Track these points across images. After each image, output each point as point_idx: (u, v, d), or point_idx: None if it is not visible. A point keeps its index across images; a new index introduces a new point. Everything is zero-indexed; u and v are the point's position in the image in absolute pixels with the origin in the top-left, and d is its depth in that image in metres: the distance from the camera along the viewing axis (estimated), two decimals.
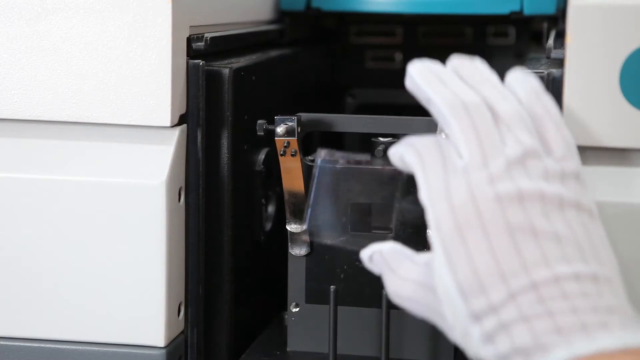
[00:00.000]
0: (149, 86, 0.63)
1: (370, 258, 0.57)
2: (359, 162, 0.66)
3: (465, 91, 0.54)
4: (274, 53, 0.80)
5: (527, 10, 0.85)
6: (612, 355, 0.46)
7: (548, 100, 0.55)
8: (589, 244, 0.50)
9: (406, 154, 0.54)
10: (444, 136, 0.55)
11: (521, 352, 0.47)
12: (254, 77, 0.71)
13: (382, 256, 0.57)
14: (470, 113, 0.53)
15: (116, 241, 0.62)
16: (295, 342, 0.70)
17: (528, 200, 0.50)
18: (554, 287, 0.48)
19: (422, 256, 0.55)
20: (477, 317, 0.49)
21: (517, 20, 0.92)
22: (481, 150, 0.52)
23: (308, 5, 0.90)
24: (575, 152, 0.54)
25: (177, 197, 0.64)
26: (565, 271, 0.49)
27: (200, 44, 0.66)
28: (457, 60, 0.57)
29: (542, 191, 0.51)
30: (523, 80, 0.56)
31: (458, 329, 0.50)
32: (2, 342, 0.65)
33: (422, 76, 0.56)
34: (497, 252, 0.49)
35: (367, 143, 0.73)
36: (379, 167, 0.66)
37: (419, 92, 0.55)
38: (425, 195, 0.52)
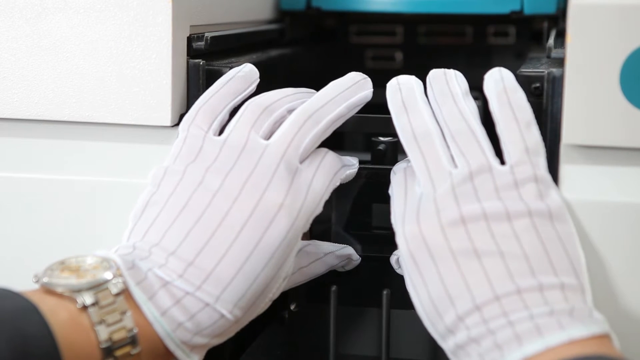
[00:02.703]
0: (149, 85, 0.63)
1: (397, 261, 0.61)
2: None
3: (421, 119, 0.58)
4: (274, 52, 0.80)
5: (528, 10, 0.85)
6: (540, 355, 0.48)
7: (519, 99, 0.58)
8: (540, 252, 0.52)
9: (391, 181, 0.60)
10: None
11: None
12: None
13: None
14: (419, 144, 0.57)
15: (117, 242, 0.62)
16: (295, 342, 0.70)
17: (471, 223, 0.53)
18: (496, 307, 0.51)
19: None
20: (442, 337, 0.53)
21: (517, 19, 0.92)
22: (430, 178, 0.56)
23: (308, 5, 0.90)
24: (537, 153, 0.56)
25: None
26: (507, 289, 0.51)
27: (201, 44, 0.66)
28: (433, 74, 0.62)
29: (485, 211, 0.53)
30: (497, 80, 0.59)
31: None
32: None
33: (391, 102, 0.60)
34: (445, 279, 0.52)
35: (367, 143, 0.73)
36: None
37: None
38: (392, 222, 0.57)
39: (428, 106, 0.59)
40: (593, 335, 0.49)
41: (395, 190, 0.59)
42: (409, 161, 0.60)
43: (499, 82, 0.58)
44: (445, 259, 0.53)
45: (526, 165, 0.55)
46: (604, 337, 0.50)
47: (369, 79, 0.63)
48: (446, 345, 0.53)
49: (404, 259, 0.55)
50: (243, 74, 0.62)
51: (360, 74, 0.63)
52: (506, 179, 0.55)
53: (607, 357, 0.47)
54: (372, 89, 0.62)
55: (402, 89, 0.60)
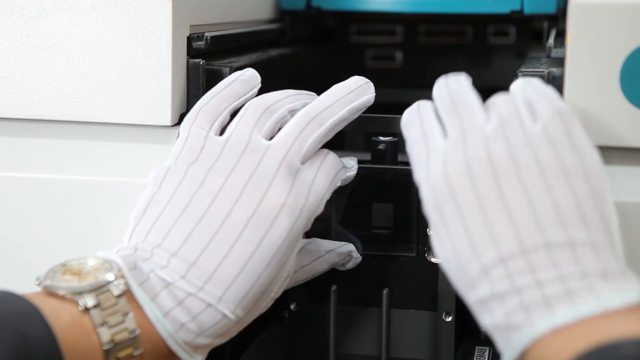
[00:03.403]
0: (149, 85, 0.63)
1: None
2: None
3: (461, 89, 0.57)
4: (274, 52, 0.80)
5: (528, 10, 0.85)
6: (571, 327, 0.47)
7: (543, 87, 0.56)
8: (572, 207, 0.50)
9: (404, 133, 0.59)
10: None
11: (500, 329, 0.49)
12: None
13: None
14: (455, 104, 0.55)
15: (117, 241, 0.62)
16: (295, 341, 0.70)
17: (501, 169, 0.51)
18: (521, 261, 0.49)
19: None
20: (465, 291, 0.51)
21: (517, 19, 0.92)
22: (462, 128, 0.54)
23: (308, 5, 0.90)
24: (570, 115, 0.53)
25: None
26: (534, 242, 0.49)
27: (201, 43, 0.66)
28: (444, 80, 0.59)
29: (516, 158, 0.51)
30: (522, 84, 0.57)
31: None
32: None
33: (436, 90, 0.58)
34: (470, 228, 0.50)
35: (367, 142, 0.73)
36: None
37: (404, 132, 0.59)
38: (415, 176, 0.55)
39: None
40: (630, 304, 0.47)
41: (415, 144, 0.56)
42: (418, 109, 0.58)
43: (526, 84, 0.57)
44: (471, 206, 0.51)
45: (558, 120, 0.53)
46: None
47: (371, 84, 0.63)
48: (469, 299, 0.51)
49: (429, 211, 0.53)
50: (245, 78, 0.62)
51: (363, 78, 0.63)
52: (538, 130, 0.53)
53: None
54: (374, 94, 0.62)
55: (449, 82, 0.59)
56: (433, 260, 0.65)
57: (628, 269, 0.50)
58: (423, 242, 0.66)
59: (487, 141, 0.52)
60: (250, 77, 0.63)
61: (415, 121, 0.58)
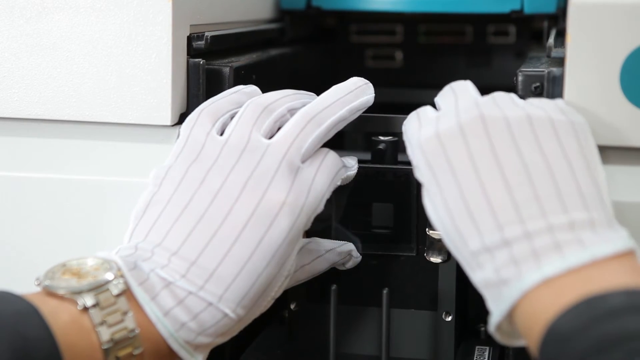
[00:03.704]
0: (149, 85, 0.63)
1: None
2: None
3: (464, 84, 0.59)
4: (274, 52, 0.80)
5: (528, 9, 0.85)
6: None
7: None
8: (560, 160, 0.51)
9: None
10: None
11: (490, 285, 0.50)
12: (254, 76, 0.71)
13: None
14: (453, 89, 0.59)
15: (117, 241, 0.62)
16: (295, 341, 0.70)
17: (492, 126, 0.53)
18: (511, 212, 0.50)
19: None
20: (456, 248, 0.52)
21: (517, 19, 0.92)
22: (455, 97, 0.56)
23: (308, 4, 0.90)
24: (550, 100, 0.57)
25: None
26: (524, 194, 0.50)
27: (201, 43, 0.66)
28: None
29: (507, 116, 0.53)
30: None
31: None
32: None
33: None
34: (462, 184, 0.52)
35: (367, 142, 0.73)
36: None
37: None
38: (408, 153, 0.57)
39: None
40: (617, 252, 0.48)
41: (409, 124, 0.58)
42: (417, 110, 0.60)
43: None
44: (463, 164, 0.52)
45: (544, 99, 0.56)
46: (630, 255, 0.48)
47: (370, 85, 0.63)
48: (461, 256, 0.52)
49: (421, 174, 0.54)
50: (248, 91, 0.63)
51: (362, 79, 0.63)
52: (525, 102, 0.55)
53: (634, 290, 0.46)
54: (373, 94, 0.63)
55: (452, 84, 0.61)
56: (433, 260, 0.65)
57: (615, 220, 0.51)
58: (423, 242, 0.66)
59: (479, 105, 0.54)
60: (252, 91, 0.63)
61: (413, 116, 0.59)
